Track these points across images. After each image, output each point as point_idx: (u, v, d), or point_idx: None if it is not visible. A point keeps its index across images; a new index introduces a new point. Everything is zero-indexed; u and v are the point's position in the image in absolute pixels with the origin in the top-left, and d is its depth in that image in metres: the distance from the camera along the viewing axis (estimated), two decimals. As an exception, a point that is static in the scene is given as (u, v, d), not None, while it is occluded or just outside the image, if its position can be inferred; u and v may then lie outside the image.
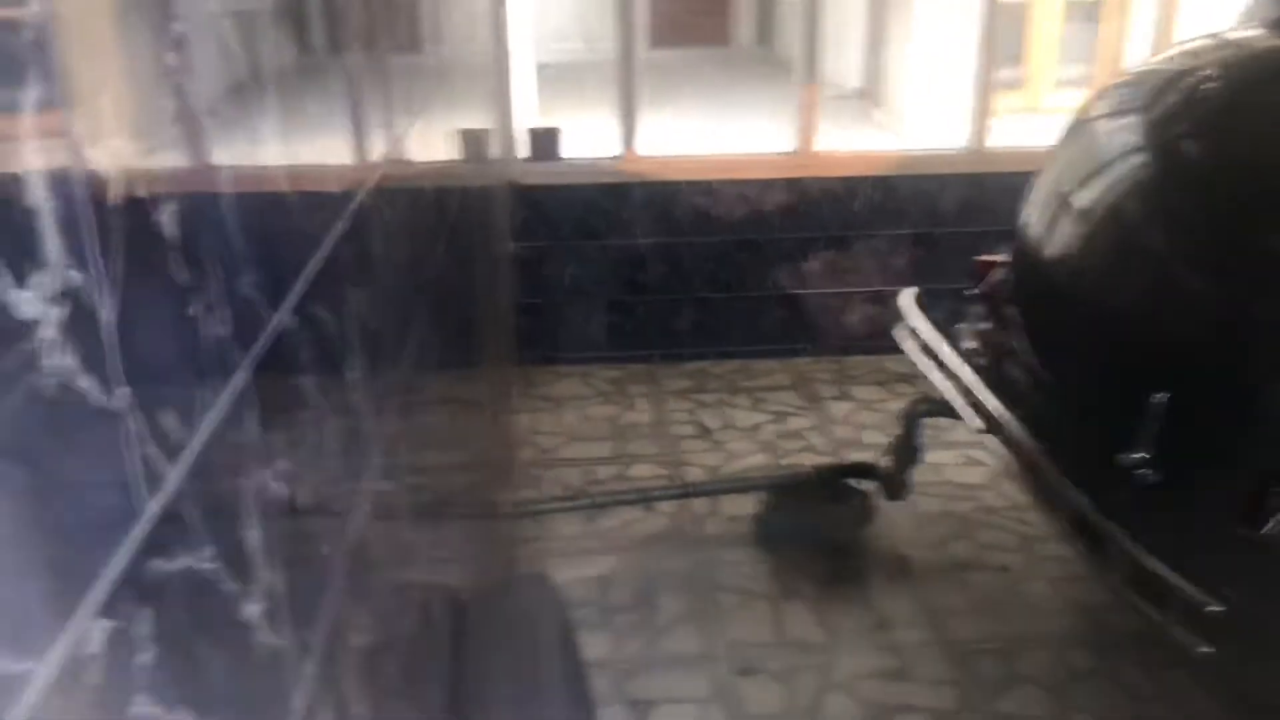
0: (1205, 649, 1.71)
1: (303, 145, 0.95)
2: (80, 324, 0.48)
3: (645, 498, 2.92)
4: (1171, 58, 2.59)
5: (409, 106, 1.54)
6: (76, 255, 0.48)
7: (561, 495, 3.07)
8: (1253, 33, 2.46)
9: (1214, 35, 2.51)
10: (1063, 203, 2.45)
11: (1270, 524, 1.70)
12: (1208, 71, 2.22)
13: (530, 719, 1.58)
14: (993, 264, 2.78)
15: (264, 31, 0.87)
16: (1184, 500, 1.91)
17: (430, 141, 1.78)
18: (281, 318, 0.82)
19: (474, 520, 2.08)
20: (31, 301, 0.44)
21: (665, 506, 3.04)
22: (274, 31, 0.90)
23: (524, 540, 2.90)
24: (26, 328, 0.44)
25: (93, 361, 0.49)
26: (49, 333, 0.45)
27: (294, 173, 0.90)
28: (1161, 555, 1.79)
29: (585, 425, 3.63)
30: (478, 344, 2.47)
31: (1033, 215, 2.59)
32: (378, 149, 1.27)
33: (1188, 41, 2.63)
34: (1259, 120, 2.15)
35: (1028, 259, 2.56)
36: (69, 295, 0.47)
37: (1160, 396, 1.92)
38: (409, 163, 1.52)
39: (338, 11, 1.15)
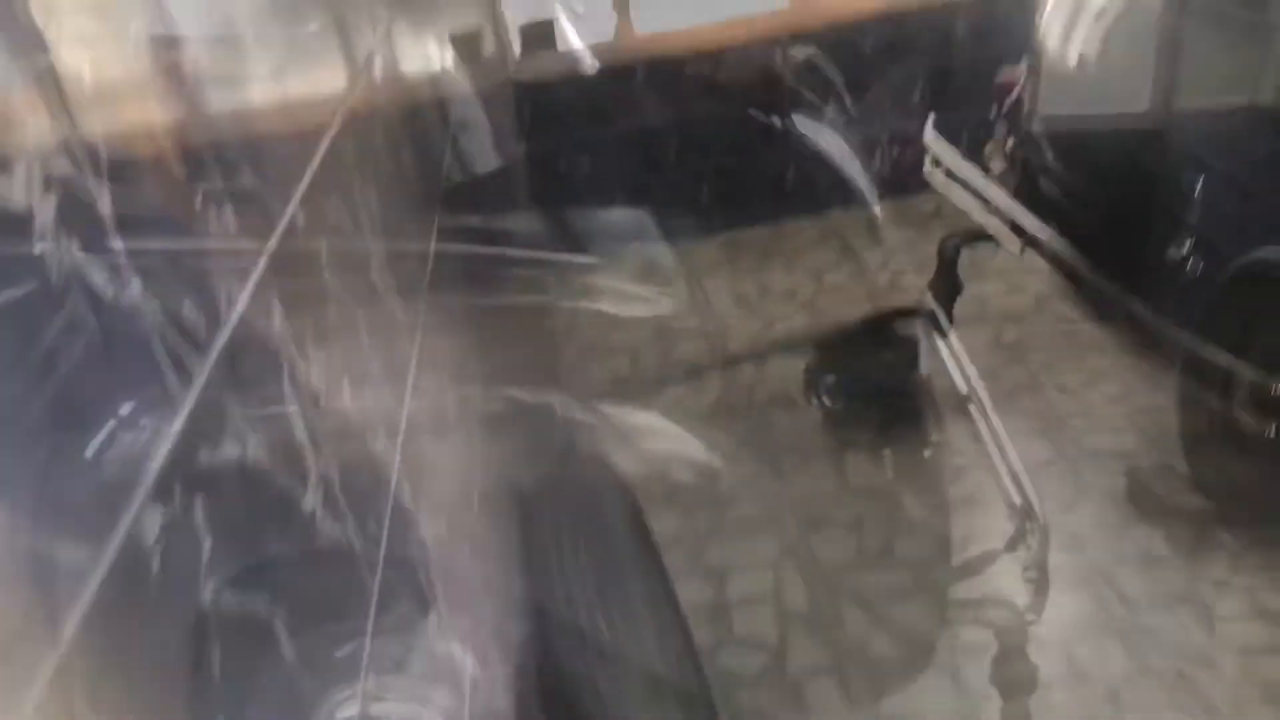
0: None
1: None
2: None
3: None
4: None
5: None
6: None
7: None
8: None
9: None
10: (1079, 7, 2.35)
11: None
12: None
13: (612, 594, 1.60)
14: (1013, 83, 2.69)
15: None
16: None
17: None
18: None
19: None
20: None
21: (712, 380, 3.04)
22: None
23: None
24: None
25: None
26: None
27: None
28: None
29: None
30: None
31: (1051, 25, 2.49)
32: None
33: None
34: None
35: (1051, 71, 2.47)
36: None
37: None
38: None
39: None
